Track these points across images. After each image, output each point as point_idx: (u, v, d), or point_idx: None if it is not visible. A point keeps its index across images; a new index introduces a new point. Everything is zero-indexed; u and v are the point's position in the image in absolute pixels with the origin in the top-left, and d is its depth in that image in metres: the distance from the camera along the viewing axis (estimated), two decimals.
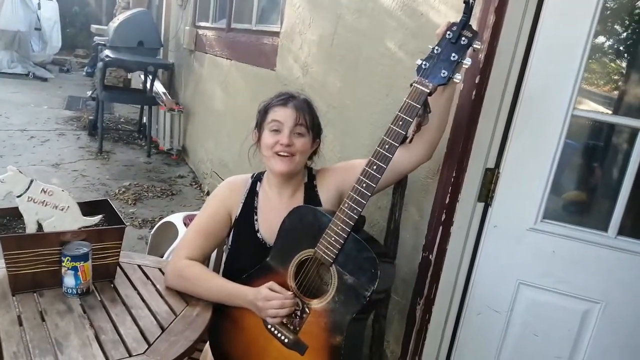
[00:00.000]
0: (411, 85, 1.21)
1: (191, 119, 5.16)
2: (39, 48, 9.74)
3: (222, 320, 1.45)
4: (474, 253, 1.62)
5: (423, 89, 1.19)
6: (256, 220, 1.49)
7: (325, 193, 1.50)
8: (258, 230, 1.48)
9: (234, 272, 1.48)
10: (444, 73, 1.17)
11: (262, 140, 1.46)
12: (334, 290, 1.28)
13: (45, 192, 1.38)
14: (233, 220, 1.50)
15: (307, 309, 1.31)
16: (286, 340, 1.33)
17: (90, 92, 7.13)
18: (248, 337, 1.41)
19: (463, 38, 1.15)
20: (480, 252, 1.60)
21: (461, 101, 1.51)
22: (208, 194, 4.21)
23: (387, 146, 1.24)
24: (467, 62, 1.16)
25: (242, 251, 1.50)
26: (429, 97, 1.21)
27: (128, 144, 5.69)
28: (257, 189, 1.52)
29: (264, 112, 1.48)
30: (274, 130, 1.43)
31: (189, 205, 4.10)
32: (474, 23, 1.34)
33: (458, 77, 1.16)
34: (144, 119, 5.80)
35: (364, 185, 1.25)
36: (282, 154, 1.41)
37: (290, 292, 1.32)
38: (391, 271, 1.36)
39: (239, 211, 1.49)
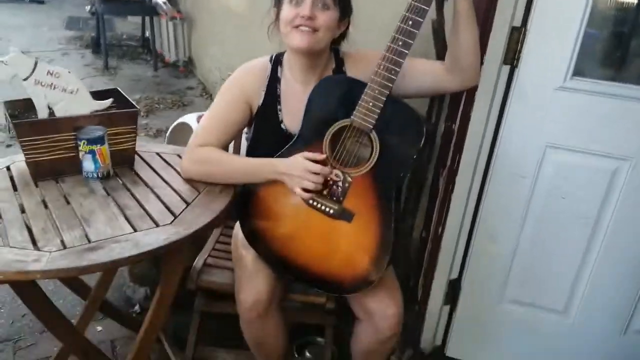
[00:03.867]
0: None
1: (194, 27, 4.97)
2: None
3: (255, 209, 1.38)
4: (499, 118, 1.55)
5: None
6: (280, 110, 1.39)
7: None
8: (282, 121, 1.39)
9: None
10: None
11: (281, 14, 1.29)
12: (376, 155, 1.23)
13: (51, 74, 1.34)
14: (255, 111, 1.40)
15: (348, 178, 1.27)
16: (331, 212, 1.29)
17: (89, 7, 6.87)
18: (286, 218, 1.35)
19: None
20: (505, 118, 1.54)
21: None
22: None
23: None
24: None
25: (264, 143, 1.41)
26: None
27: (133, 60, 5.55)
28: (279, 74, 1.40)
29: None
30: (294, 1, 1.26)
31: None
32: None
33: None
34: (147, 33, 5.62)
35: (401, 43, 1.17)
36: (303, 28, 1.25)
37: (324, 155, 1.27)
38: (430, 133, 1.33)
39: (261, 101, 1.39)
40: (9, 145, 3.31)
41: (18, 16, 7.30)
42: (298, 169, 1.26)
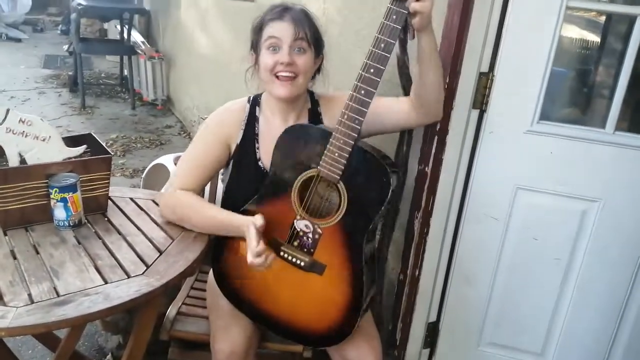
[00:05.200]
0: None
1: (173, 67, 5.02)
2: (8, 8, 9.27)
3: (228, 257, 1.38)
4: (471, 162, 1.59)
5: None
6: (257, 148, 1.40)
7: (329, 121, 1.40)
8: (259, 159, 1.40)
9: (234, 203, 1.41)
10: None
11: (260, 61, 1.32)
12: (344, 207, 1.21)
13: (23, 122, 1.32)
14: (232, 150, 1.41)
15: (318, 230, 1.25)
16: (302, 264, 1.27)
17: (67, 46, 6.89)
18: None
19: None
20: (476, 160, 1.58)
21: (451, 1, 1.44)
22: None
23: (382, 45, 1.12)
24: None
25: (242, 181, 1.42)
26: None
27: (111, 98, 5.55)
28: (257, 114, 1.42)
29: (258, 30, 1.34)
30: (272, 48, 1.29)
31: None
32: None
33: None
34: (125, 72, 5.64)
35: (363, 92, 1.15)
36: (283, 74, 1.29)
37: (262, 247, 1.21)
38: (399, 180, 1.32)
39: (239, 140, 1.40)
40: None
41: None
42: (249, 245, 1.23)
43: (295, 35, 1.28)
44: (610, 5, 1.56)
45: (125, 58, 5.37)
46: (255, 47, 1.36)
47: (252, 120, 1.41)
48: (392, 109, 1.40)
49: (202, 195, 1.54)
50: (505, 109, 1.51)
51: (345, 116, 1.17)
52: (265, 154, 1.39)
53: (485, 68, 1.51)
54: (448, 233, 1.67)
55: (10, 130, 1.31)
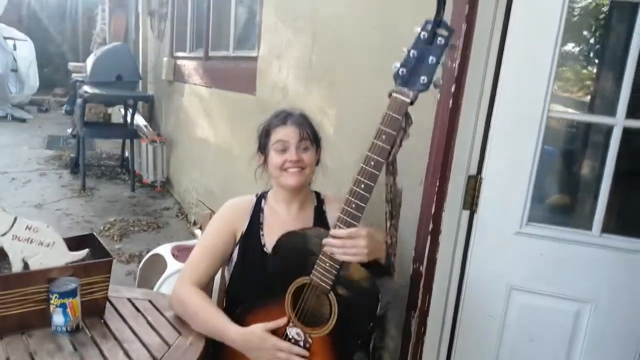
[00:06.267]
0: (390, 95, 1.15)
1: (174, 150, 5.15)
2: (16, 89, 9.66)
3: (223, 356, 1.40)
4: (464, 261, 1.63)
5: (403, 98, 1.12)
6: (262, 235, 1.49)
7: (331, 220, 1.50)
8: (264, 245, 1.48)
9: (236, 290, 1.48)
10: (423, 79, 1.10)
11: (270, 161, 1.48)
12: (335, 318, 1.23)
13: (29, 229, 1.36)
14: (238, 237, 1.50)
15: (309, 339, 1.27)
16: None
17: (71, 129, 7.09)
18: None
19: (439, 38, 1.08)
20: (469, 260, 1.61)
21: (439, 111, 1.54)
22: (195, 224, 4.18)
23: (372, 163, 1.17)
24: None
25: (247, 268, 1.48)
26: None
27: (111, 180, 5.64)
28: (262, 205, 1.54)
29: (265, 135, 1.50)
30: (280, 150, 1.45)
31: (176, 237, 4.06)
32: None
33: (439, 81, 1.11)
34: (126, 153, 5.78)
35: (354, 205, 1.19)
36: (292, 170, 1.44)
37: (285, 343, 1.27)
38: (389, 286, 1.33)
39: (245, 228, 1.50)
40: None
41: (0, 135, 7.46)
42: (269, 349, 1.27)
43: (300, 136, 1.45)
44: (587, 115, 1.66)
45: (128, 140, 5.52)
46: (263, 149, 1.52)
47: (257, 210, 1.53)
48: None
49: (212, 286, 1.58)
50: (494, 210, 1.57)
51: (336, 228, 1.22)
52: (270, 239, 1.47)
53: (473, 171, 1.59)
54: (445, 331, 1.67)
55: (16, 237, 1.35)
